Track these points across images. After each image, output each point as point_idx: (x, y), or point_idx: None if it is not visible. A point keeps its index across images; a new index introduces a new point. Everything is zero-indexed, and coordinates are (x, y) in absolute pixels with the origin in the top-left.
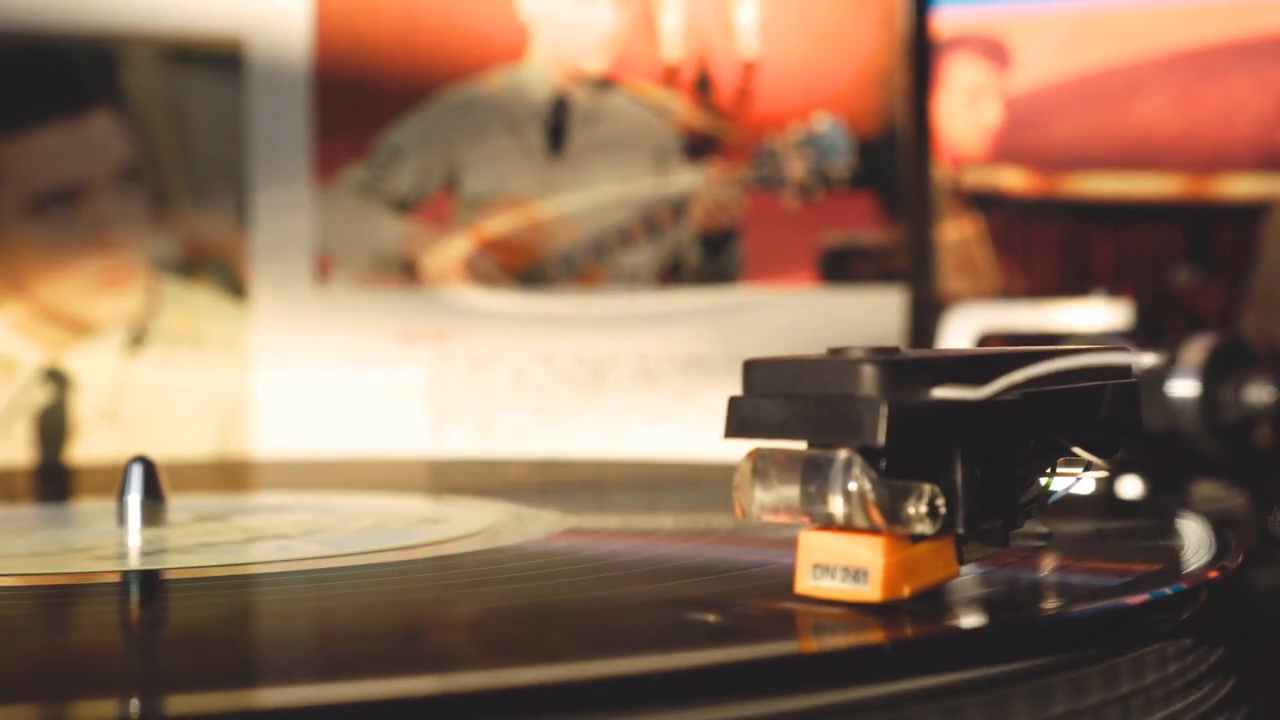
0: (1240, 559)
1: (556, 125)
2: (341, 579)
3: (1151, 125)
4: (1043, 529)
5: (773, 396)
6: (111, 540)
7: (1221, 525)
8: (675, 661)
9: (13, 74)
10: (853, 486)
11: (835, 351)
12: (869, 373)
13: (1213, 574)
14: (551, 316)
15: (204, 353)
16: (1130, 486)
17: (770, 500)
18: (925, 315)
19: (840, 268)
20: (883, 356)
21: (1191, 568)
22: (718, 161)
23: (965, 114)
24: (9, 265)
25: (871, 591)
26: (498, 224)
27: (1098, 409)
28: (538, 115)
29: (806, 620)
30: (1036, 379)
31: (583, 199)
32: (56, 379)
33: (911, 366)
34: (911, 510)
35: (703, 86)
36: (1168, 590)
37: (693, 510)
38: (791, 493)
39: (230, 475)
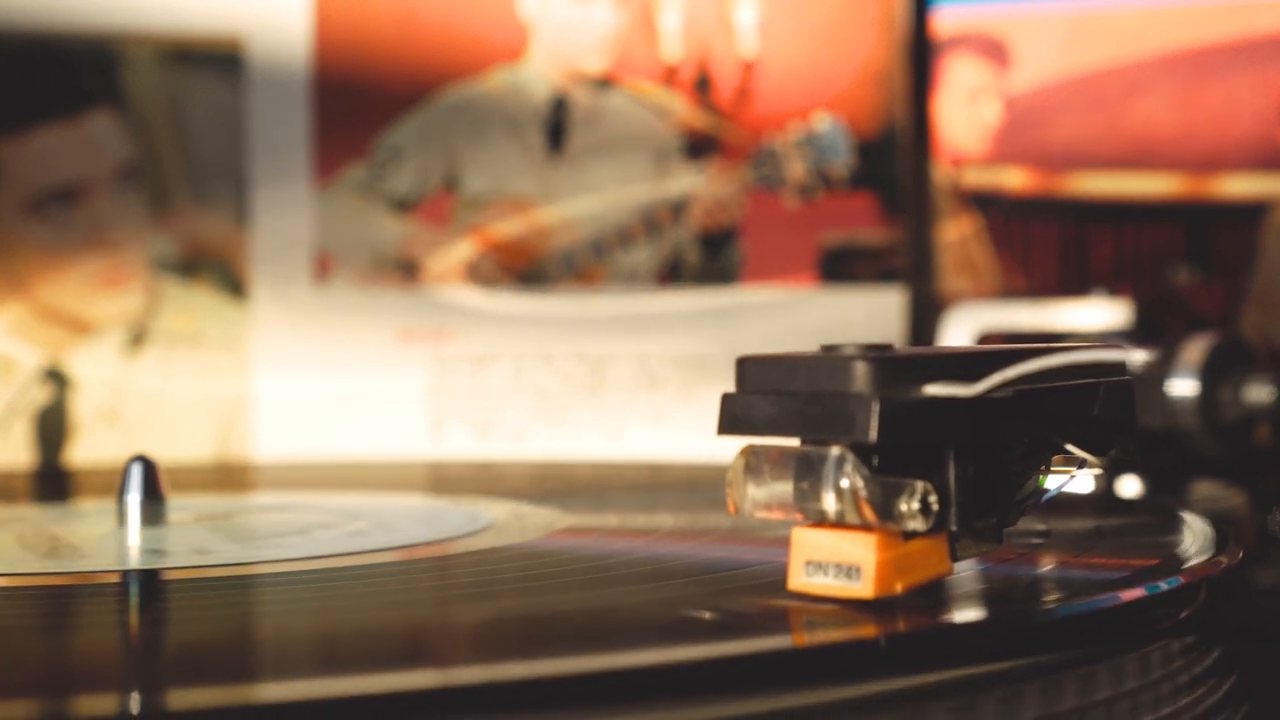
0: (1240, 555)
1: (556, 125)
2: (341, 579)
3: (1151, 125)
4: (1041, 526)
5: (766, 393)
6: (111, 540)
7: (1221, 523)
8: (669, 657)
9: (13, 74)
10: (845, 483)
11: (828, 348)
12: (861, 369)
13: (1211, 570)
14: (551, 316)
15: (204, 353)
16: (1129, 485)
17: (763, 497)
18: (925, 315)
19: (840, 267)
20: (875, 353)
21: (1190, 564)
22: (718, 161)
23: (965, 114)
24: (9, 265)
25: (864, 588)
26: (500, 228)
27: (1092, 407)
28: (537, 115)
29: (799, 616)
30: (1030, 376)
31: (582, 199)
32: (56, 379)
33: (904, 363)
34: (904, 507)
35: (702, 86)
36: (1163, 585)
37: (691, 510)
38: (784, 489)
39: (230, 475)
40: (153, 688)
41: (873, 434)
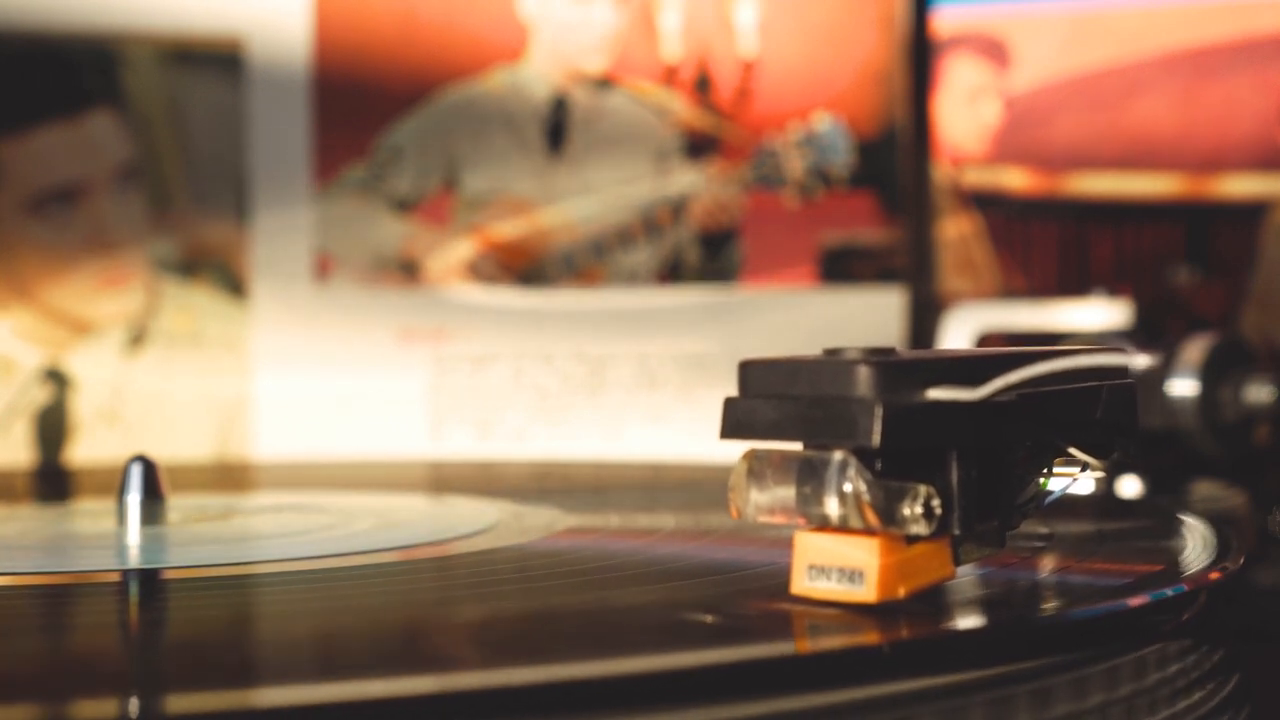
0: (1242, 560)
1: (556, 125)
2: (342, 579)
3: (1151, 125)
4: (1043, 529)
5: (768, 397)
6: (111, 540)
7: (1222, 525)
8: (671, 662)
9: (13, 74)
10: (848, 488)
11: (831, 352)
12: (864, 373)
13: (1214, 575)
14: (551, 316)
15: (204, 353)
16: (1129, 486)
17: (766, 501)
18: (925, 315)
19: (840, 267)
20: (878, 357)
21: (1193, 569)
22: (718, 161)
23: (965, 114)
24: (9, 265)
25: (867, 592)
26: (500, 227)
27: (1094, 409)
28: (537, 115)
29: (802, 621)
30: (1032, 379)
31: (582, 199)
32: (56, 379)
33: (907, 367)
34: (907, 511)
35: (702, 86)
36: (1168, 591)
37: (693, 510)
38: (787, 494)
39: (230, 475)
40: (152, 688)
41: (876, 438)
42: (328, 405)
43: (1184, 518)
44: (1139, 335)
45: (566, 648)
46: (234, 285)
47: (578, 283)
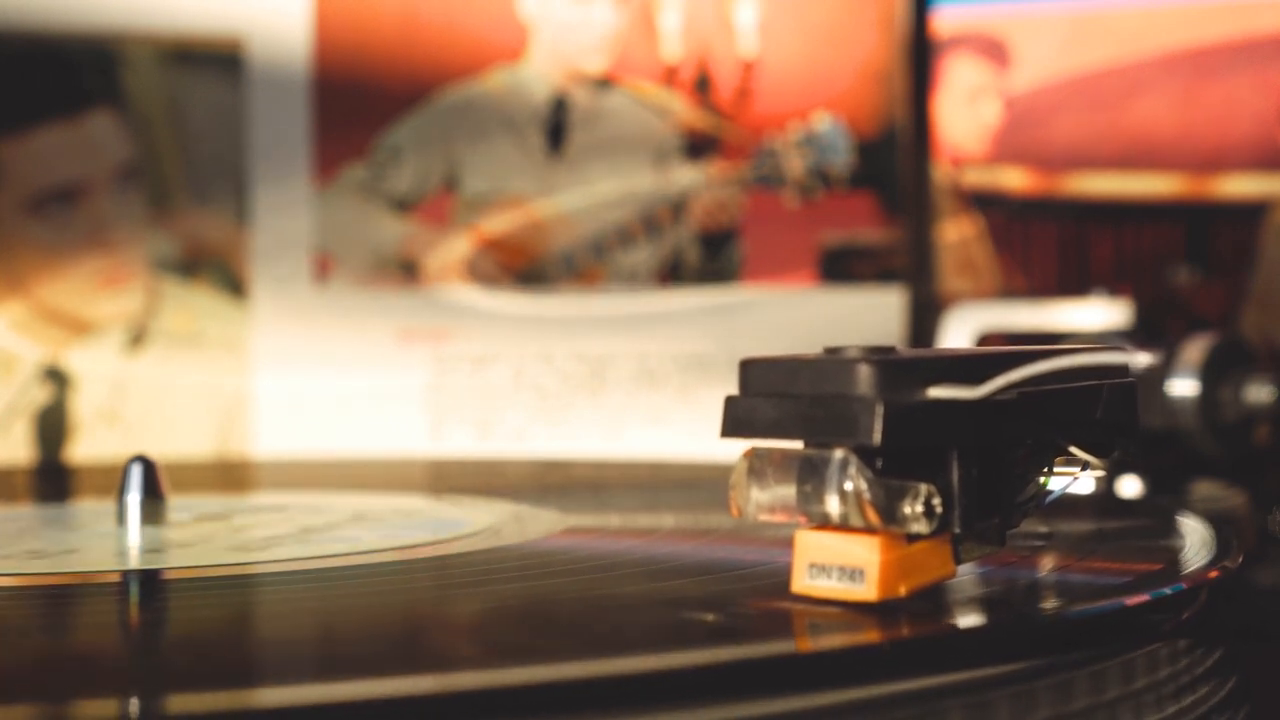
0: (1241, 559)
1: (556, 125)
2: (341, 579)
3: (1151, 125)
4: (1043, 528)
5: (768, 396)
6: (111, 540)
7: (1222, 525)
8: (672, 661)
9: (13, 74)
10: (849, 486)
11: (831, 351)
12: (865, 372)
13: (1213, 574)
14: (551, 316)
15: (203, 352)
16: (1129, 486)
17: (766, 500)
18: (925, 315)
19: (840, 267)
20: (879, 356)
21: (1192, 568)
22: (718, 161)
23: (965, 114)
24: (9, 265)
25: (868, 591)
26: (498, 224)
27: (1095, 408)
28: (537, 115)
29: (803, 620)
30: (1033, 378)
31: (582, 198)
32: (56, 378)
33: (907, 366)
34: (907, 509)
35: (702, 86)
36: (1168, 590)
37: (693, 510)
38: (788, 492)
39: (230, 475)
40: (152, 688)
41: (876, 437)
42: (328, 405)
43: (1183, 517)
44: (1139, 335)
45: (566, 647)
46: (234, 285)
47: (578, 283)
